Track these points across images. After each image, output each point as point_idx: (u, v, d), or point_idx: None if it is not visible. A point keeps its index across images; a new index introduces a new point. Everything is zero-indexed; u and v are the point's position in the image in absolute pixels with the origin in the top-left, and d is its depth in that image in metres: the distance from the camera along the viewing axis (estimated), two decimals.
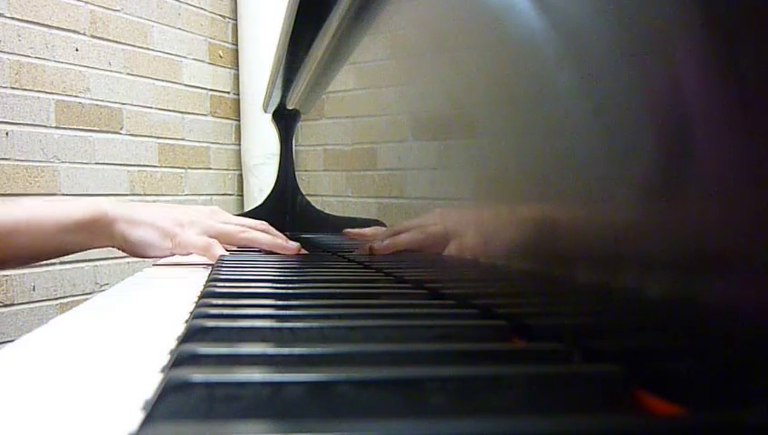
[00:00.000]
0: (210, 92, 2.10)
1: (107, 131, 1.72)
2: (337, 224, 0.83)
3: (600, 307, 0.24)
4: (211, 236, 0.70)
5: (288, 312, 0.33)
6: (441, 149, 0.43)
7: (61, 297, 1.58)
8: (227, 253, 0.68)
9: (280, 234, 0.77)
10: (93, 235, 0.68)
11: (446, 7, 0.41)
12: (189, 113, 2.01)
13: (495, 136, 0.34)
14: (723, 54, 0.17)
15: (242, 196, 2.19)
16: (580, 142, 0.25)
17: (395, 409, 0.19)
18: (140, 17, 1.83)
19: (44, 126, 1.56)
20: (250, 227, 0.74)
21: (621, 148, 0.22)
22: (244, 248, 0.75)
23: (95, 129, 1.69)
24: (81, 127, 1.65)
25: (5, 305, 1.46)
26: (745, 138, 0.16)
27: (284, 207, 1.19)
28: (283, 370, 0.20)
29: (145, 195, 1.83)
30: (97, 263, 1.66)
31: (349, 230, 0.78)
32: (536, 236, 0.28)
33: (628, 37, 0.22)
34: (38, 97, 1.54)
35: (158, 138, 1.88)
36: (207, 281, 0.45)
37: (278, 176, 1.21)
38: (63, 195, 1.60)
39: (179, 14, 1.98)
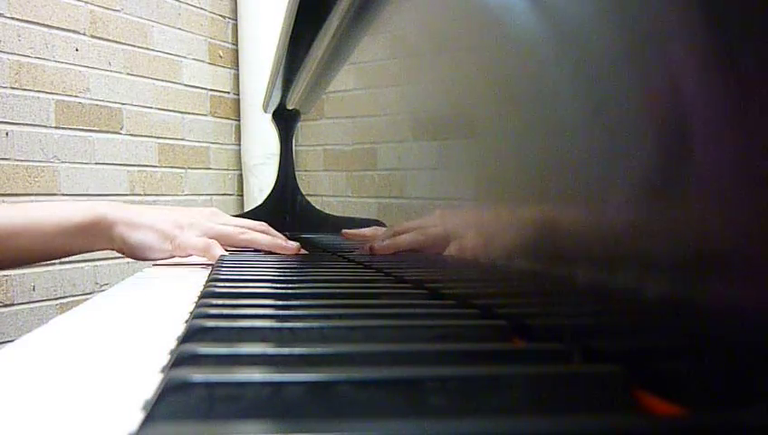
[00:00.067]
0: (210, 92, 2.10)
1: (107, 131, 1.72)
2: (337, 224, 0.83)
3: (600, 307, 0.24)
4: (210, 238, 0.70)
5: (288, 312, 0.33)
6: (441, 149, 0.43)
7: (61, 297, 1.58)
8: (227, 253, 0.68)
9: (279, 234, 0.77)
10: (93, 238, 0.68)
11: (446, 7, 0.41)
12: (189, 113, 2.01)
13: (495, 136, 0.34)
14: (722, 54, 0.17)
15: (242, 196, 2.19)
16: (580, 142, 0.25)
17: (395, 409, 0.19)
18: (140, 17, 1.83)
19: (44, 126, 1.56)
20: (249, 228, 0.75)
21: (621, 148, 0.22)
22: (244, 249, 0.75)
23: (95, 129, 1.69)
24: (81, 127, 1.65)
25: (5, 305, 1.46)
26: (745, 138, 0.16)
27: (284, 207, 1.19)
28: (283, 370, 0.20)
29: (145, 195, 1.83)
30: (97, 263, 1.66)
31: (347, 231, 0.78)
32: (536, 237, 0.28)
33: (628, 37, 0.22)
34: (38, 97, 1.54)
35: (158, 138, 1.88)
36: (207, 281, 0.45)
37: (278, 176, 1.21)
38: (63, 195, 1.60)
39: (179, 14, 1.98)
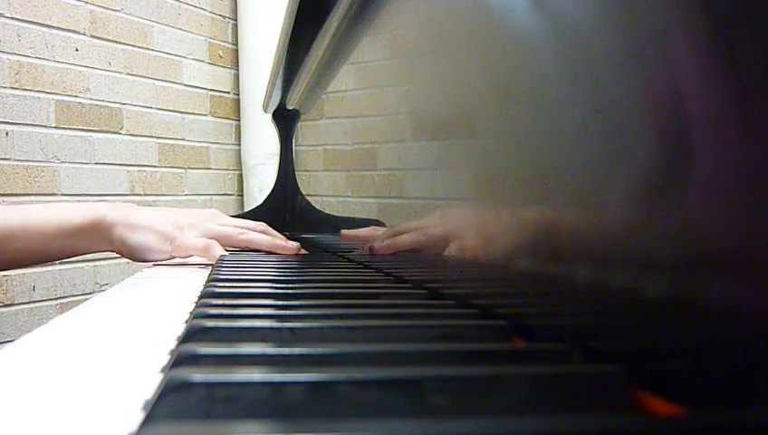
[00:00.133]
0: (210, 92, 2.09)
1: (107, 131, 1.72)
2: (337, 224, 0.83)
3: (600, 307, 0.24)
4: (210, 238, 0.70)
5: (288, 312, 0.33)
6: (441, 149, 0.43)
7: (61, 297, 1.58)
8: (227, 253, 0.68)
9: (279, 234, 0.77)
10: (92, 239, 0.68)
11: (446, 7, 0.41)
12: (189, 113, 2.01)
13: (495, 136, 0.34)
14: (722, 53, 0.17)
15: (242, 196, 2.19)
16: (580, 143, 0.25)
17: (395, 409, 0.19)
18: (140, 17, 1.83)
19: (44, 126, 1.56)
20: (249, 229, 0.75)
21: (621, 148, 0.22)
22: (244, 249, 0.75)
23: (95, 129, 1.69)
24: (81, 127, 1.65)
25: (5, 305, 1.46)
26: (745, 137, 0.16)
27: (284, 207, 1.19)
28: (283, 370, 0.20)
29: (145, 195, 1.83)
30: (97, 263, 1.66)
31: (345, 232, 0.79)
32: (536, 237, 0.28)
33: (628, 37, 0.22)
34: (38, 97, 1.54)
35: (158, 138, 1.88)
36: (207, 281, 0.45)
37: (278, 176, 1.21)
38: (63, 195, 1.60)
39: (179, 14, 1.98)
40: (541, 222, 0.28)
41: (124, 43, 1.78)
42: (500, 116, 0.33)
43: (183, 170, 1.98)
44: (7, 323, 1.46)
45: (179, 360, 0.21)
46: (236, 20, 2.15)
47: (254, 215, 1.13)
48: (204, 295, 0.37)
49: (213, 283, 0.42)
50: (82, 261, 1.62)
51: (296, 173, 1.19)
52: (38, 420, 0.19)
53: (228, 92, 2.17)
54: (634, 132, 0.21)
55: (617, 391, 0.20)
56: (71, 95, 1.62)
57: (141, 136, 1.83)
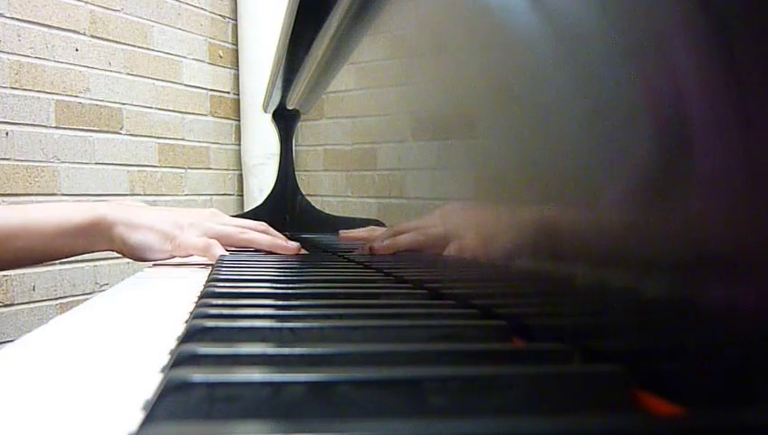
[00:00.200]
0: (210, 92, 2.10)
1: (107, 131, 1.72)
2: (337, 224, 0.83)
3: (600, 307, 0.24)
4: (211, 238, 0.70)
5: (288, 312, 0.33)
6: (441, 149, 0.43)
7: (61, 297, 1.58)
8: (227, 253, 0.68)
9: (279, 234, 0.77)
10: (93, 239, 0.68)
11: (446, 7, 0.41)
12: (189, 113, 2.01)
13: (495, 136, 0.34)
14: (721, 53, 0.17)
15: (242, 196, 2.19)
16: (580, 142, 0.25)
17: (395, 409, 0.19)
18: (140, 17, 1.83)
19: (44, 126, 1.56)
20: (249, 228, 0.75)
21: (621, 148, 0.22)
22: (244, 249, 0.75)
23: (95, 129, 1.69)
24: (81, 127, 1.65)
25: (5, 305, 1.46)
26: (745, 137, 0.16)
27: (284, 207, 1.19)
28: (283, 370, 0.20)
29: (145, 195, 1.83)
30: (97, 263, 1.66)
31: (343, 232, 0.79)
32: (536, 237, 0.28)
33: (628, 37, 0.22)
34: (38, 97, 1.54)
35: (158, 138, 1.88)
36: (207, 281, 0.45)
37: (278, 176, 1.21)
38: (63, 195, 1.60)
39: (179, 14, 1.98)
40: (541, 222, 0.28)
41: (124, 43, 1.78)
42: (500, 116, 0.33)
43: (183, 170, 1.98)
44: (7, 323, 1.46)
45: (179, 360, 0.21)
46: (236, 20, 2.15)
47: (254, 215, 1.13)
48: (204, 295, 0.37)
49: (213, 283, 0.42)
50: (82, 261, 1.62)
51: (296, 173, 1.19)
52: (38, 420, 0.19)
53: (228, 92, 2.17)
54: (634, 132, 0.21)
55: (617, 391, 0.20)
56: (71, 95, 1.62)
57: (141, 136, 1.83)
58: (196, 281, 0.53)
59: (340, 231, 0.80)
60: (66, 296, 1.59)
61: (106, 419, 0.19)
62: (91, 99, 1.67)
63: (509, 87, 0.32)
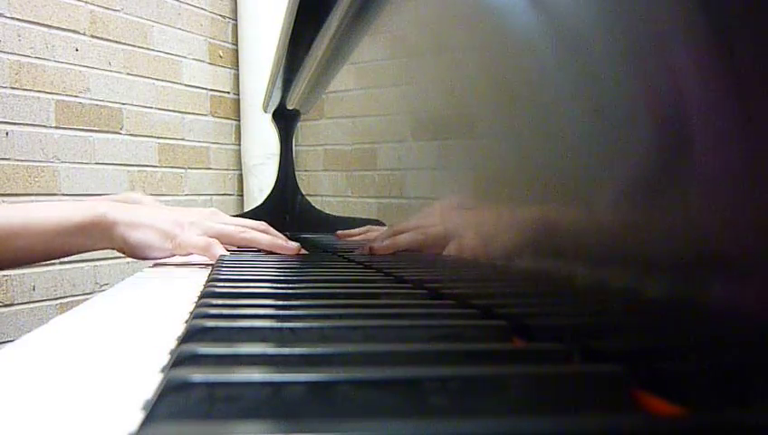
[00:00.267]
0: (210, 92, 2.10)
1: (107, 131, 1.72)
2: (337, 224, 0.83)
3: (600, 307, 0.24)
4: (211, 237, 0.70)
5: (288, 312, 0.33)
6: (441, 149, 0.43)
7: (61, 297, 1.58)
8: (227, 253, 0.68)
9: (279, 234, 0.77)
10: (93, 237, 0.68)
11: (446, 7, 0.41)
12: (189, 113, 2.01)
13: (495, 136, 0.34)
14: (721, 52, 0.17)
15: (242, 196, 2.19)
16: (579, 142, 0.25)
17: (395, 409, 0.19)
18: (140, 17, 1.83)
19: (44, 126, 1.56)
20: (250, 228, 0.75)
21: (621, 147, 0.22)
22: (244, 248, 0.75)
23: (95, 129, 1.69)
24: (81, 127, 1.65)
25: (5, 305, 1.46)
26: (745, 137, 0.16)
27: (284, 207, 1.19)
28: (283, 370, 0.20)
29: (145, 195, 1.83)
30: (97, 263, 1.66)
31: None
32: (536, 236, 0.28)
33: (628, 37, 0.22)
34: (38, 97, 1.54)
35: (158, 138, 1.88)
36: (207, 281, 0.45)
37: (278, 176, 1.21)
38: (63, 195, 1.60)
39: (179, 14, 1.98)
40: (540, 222, 0.28)
41: (124, 43, 1.78)
42: (500, 116, 0.33)
43: (183, 170, 1.98)
44: (7, 323, 1.46)
45: (179, 360, 0.21)
46: (236, 20, 2.15)
47: (254, 215, 1.13)
48: (204, 295, 0.37)
49: (213, 283, 0.42)
50: (82, 261, 1.62)
51: (296, 173, 1.19)
52: (38, 420, 0.19)
53: (228, 92, 2.17)
54: (633, 132, 0.21)
55: (617, 391, 0.20)
56: (71, 95, 1.62)
57: (141, 136, 1.83)
58: (196, 281, 0.53)
59: (338, 232, 0.80)
60: (66, 296, 1.59)
61: (106, 419, 0.19)
62: (91, 99, 1.67)
63: (509, 87, 0.32)
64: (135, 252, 0.70)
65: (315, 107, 1.03)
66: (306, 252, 0.77)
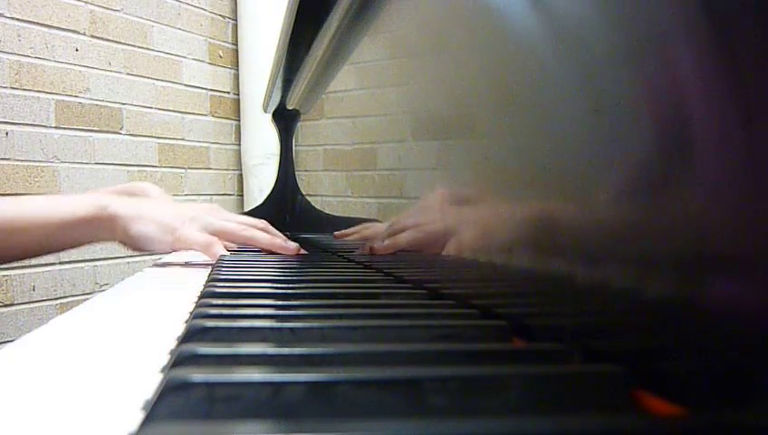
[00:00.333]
0: (210, 92, 2.10)
1: (107, 131, 1.72)
2: (337, 224, 0.83)
3: (600, 307, 0.24)
4: (211, 233, 0.70)
5: (288, 312, 0.33)
6: (441, 149, 0.43)
7: (61, 297, 1.58)
8: (228, 252, 0.68)
9: (279, 233, 0.77)
10: (96, 230, 0.68)
11: (446, 7, 0.41)
12: (189, 113, 2.01)
13: (495, 136, 0.34)
14: (722, 52, 0.17)
15: (242, 196, 2.19)
16: (579, 141, 0.25)
17: (395, 409, 0.19)
18: (140, 17, 1.83)
19: (44, 126, 1.56)
20: (250, 226, 0.75)
21: (620, 147, 0.22)
22: (245, 248, 0.75)
23: (95, 129, 1.69)
24: (81, 127, 1.65)
25: (5, 305, 1.46)
26: (745, 137, 0.16)
27: (284, 207, 1.19)
28: (283, 370, 0.20)
29: None
30: (97, 263, 1.66)
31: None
32: (536, 236, 0.28)
33: (628, 37, 0.22)
34: (38, 97, 1.54)
35: (158, 138, 1.88)
36: (207, 281, 0.45)
37: (278, 176, 1.21)
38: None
39: (179, 14, 1.98)
40: (540, 221, 0.28)
41: (124, 43, 1.78)
42: (499, 115, 0.33)
43: (183, 170, 1.98)
44: (7, 323, 1.46)
45: (179, 360, 0.21)
46: (236, 20, 2.15)
47: (253, 215, 1.13)
48: (204, 295, 0.37)
49: (213, 283, 0.42)
50: (82, 261, 1.62)
51: (296, 173, 1.19)
52: (38, 420, 0.19)
53: (228, 92, 2.17)
54: (633, 131, 0.21)
55: (617, 391, 0.20)
56: (71, 95, 1.62)
57: (141, 136, 1.83)
58: (195, 281, 0.53)
59: (335, 233, 0.80)
60: (66, 296, 1.59)
61: (106, 419, 0.19)
62: (91, 99, 1.67)
63: (509, 87, 0.32)
64: (135, 244, 0.70)
65: (315, 107, 1.03)
66: (306, 252, 0.77)
